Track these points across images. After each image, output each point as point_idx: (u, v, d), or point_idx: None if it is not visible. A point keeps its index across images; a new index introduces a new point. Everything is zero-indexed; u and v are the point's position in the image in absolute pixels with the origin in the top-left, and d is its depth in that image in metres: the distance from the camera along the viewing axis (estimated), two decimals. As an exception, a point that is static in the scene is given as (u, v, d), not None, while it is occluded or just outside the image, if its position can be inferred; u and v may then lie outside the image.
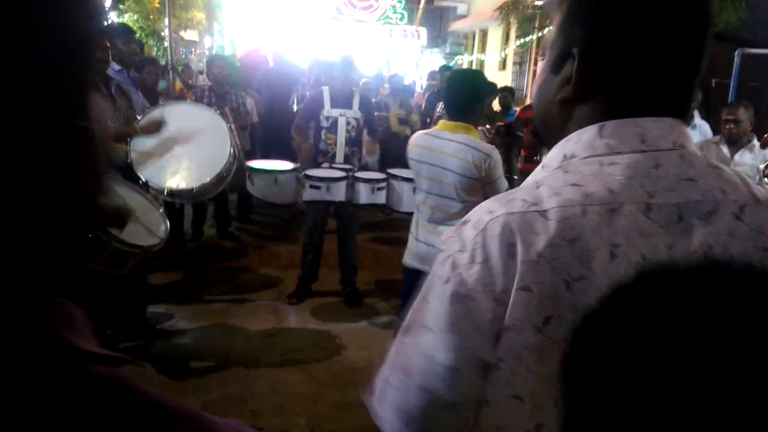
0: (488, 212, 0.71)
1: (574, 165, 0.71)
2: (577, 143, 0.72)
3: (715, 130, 4.25)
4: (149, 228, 2.57)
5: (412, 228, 2.69)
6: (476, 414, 0.74)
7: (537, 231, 0.67)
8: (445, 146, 2.47)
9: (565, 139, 0.74)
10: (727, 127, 3.70)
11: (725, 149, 3.71)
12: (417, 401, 0.72)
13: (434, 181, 2.53)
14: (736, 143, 3.70)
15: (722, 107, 3.96)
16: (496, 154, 2.50)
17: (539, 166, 0.77)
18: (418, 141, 2.62)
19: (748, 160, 3.62)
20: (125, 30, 4.38)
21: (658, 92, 0.70)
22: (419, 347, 0.73)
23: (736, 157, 3.66)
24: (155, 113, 3.33)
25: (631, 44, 0.69)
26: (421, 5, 16.66)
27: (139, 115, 3.39)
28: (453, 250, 0.72)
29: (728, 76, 6.02)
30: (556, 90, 0.75)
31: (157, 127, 3.28)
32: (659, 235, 0.66)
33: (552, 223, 0.66)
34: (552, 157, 0.75)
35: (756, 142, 3.71)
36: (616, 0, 0.70)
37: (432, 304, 0.73)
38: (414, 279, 2.29)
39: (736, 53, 5.77)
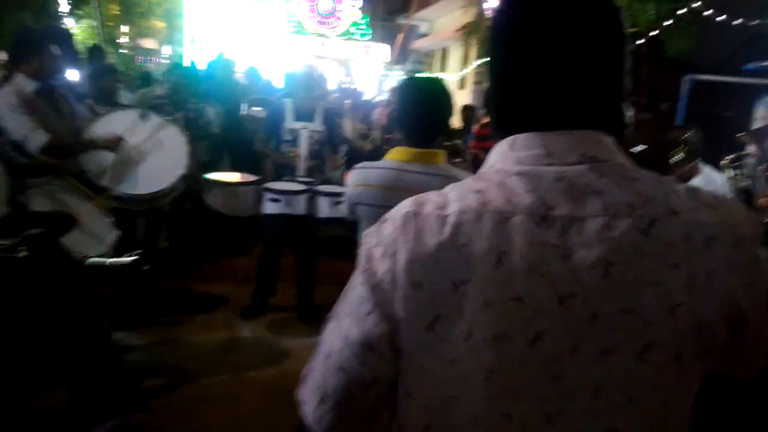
0: (404, 209, 0.76)
1: (487, 174, 0.76)
2: (495, 154, 0.78)
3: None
4: (96, 237, 2.47)
5: None
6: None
7: (434, 232, 0.71)
8: (422, 183, 1.82)
9: (492, 150, 0.79)
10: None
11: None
12: (334, 380, 0.77)
13: None
14: (684, 166, 3.82)
15: (672, 129, 4.09)
16: None
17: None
18: (374, 179, 1.95)
19: (697, 183, 3.74)
20: (62, 35, 4.25)
21: (562, 108, 0.73)
22: (340, 331, 0.78)
23: (685, 179, 3.77)
24: (103, 122, 3.26)
25: (523, 70, 0.75)
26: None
27: (83, 122, 3.31)
28: (371, 245, 0.78)
29: (678, 101, 6.26)
30: None
31: (116, 143, 3.23)
32: (551, 246, 0.67)
33: (448, 227, 0.71)
34: (485, 165, 0.80)
35: (702, 166, 3.83)
36: (499, 31, 0.79)
37: (352, 293, 0.79)
38: None
39: (683, 79, 6.02)
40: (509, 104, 0.78)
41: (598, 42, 0.73)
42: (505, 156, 0.75)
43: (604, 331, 0.66)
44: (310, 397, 0.80)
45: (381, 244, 0.76)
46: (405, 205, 0.77)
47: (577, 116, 0.73)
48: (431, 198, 0.76)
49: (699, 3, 8.15)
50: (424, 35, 20.76)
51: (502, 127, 0.79)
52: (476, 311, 0.68)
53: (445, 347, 0.71)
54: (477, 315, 0.68)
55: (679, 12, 8.33)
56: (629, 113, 0.78)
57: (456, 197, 0.73)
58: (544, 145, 0.72)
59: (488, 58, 0.81)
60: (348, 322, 0.77)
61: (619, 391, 0.66)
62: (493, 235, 0.69)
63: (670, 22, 8.60)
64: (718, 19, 7.75)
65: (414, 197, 0.78)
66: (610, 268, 0.65)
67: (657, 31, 8.68)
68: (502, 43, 0.78)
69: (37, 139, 2.94)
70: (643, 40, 8.56)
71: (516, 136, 0.75)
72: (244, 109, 6.39)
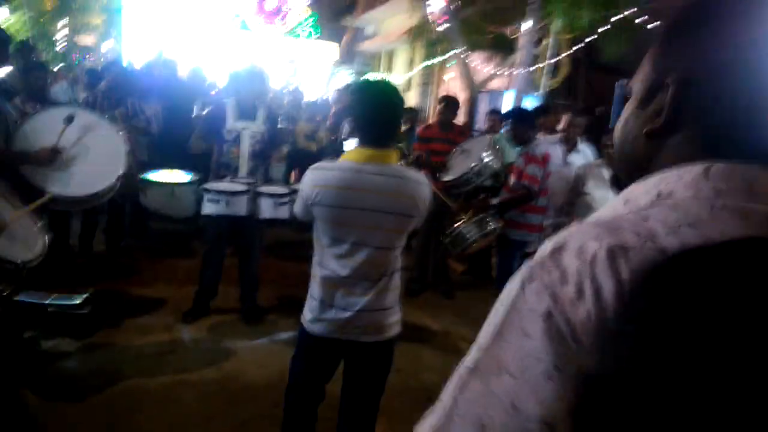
0: (593, 239, 0.59)
1: (679, 204, 0.62)
2: (677, 182, 0.64)
3: (599, 155, 4.59)
4: (25, 242, 2.39)
5: (318, 290, 2.11)
6: None
7: None
8: (381, 184, 1.98)
9: (658, 175, 0.67)
10: (608, 152, 4.01)
11: (606, 172, 4.01)
12: None
13: (369, 229, 2.01)
14: (615, 166, 4.03)
15: (604, 133, 4.29)
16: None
17: (619, 201, 0.69)
18: (332, 180, 1.99)
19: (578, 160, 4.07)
20: None
21: (764, 128, 0.63)
22: (498, 395, 0.60)
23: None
24: (34, 122, 3.11)
25: (741, 70, 0.62)
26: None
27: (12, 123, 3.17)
28: (550, 280, 0.59)
29: (610, 105, 6.55)
30: (642, 124, 0.71)
31: (53, 156, 3.08)
32: None
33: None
34: (641, 192, 0.67)
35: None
36: (723, 21, 0.63)
37: (516, 344, 0.60)
38: (326, 349, 2.16)
39: (617, 84, 6.29)
40: (710, 121, 0.65)
41: None
42: (698, 186, 0.62)
43: None
44: None
45: (569, 281, 0.58)
46: (588, 234, 0.60)
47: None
48: (622, 226, 0.60)
49: (634, 10, 8.53)
50: (370, 37, 20.83)
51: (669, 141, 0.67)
52: None
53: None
54: None
55: (613, 19, 8.69)
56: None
57: (664, 229, 0.58)
58: (747, 179, 0.61)
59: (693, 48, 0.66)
60: (511, 384, 0.59)
61: None
62: None
63: (607, 27, 8.96)
64: (651, 26, 8.12)
65: (593, 224, 0.62)
66: None
67: (592, 38, 9.03)
68: (707, 37, 0.63)
69: None
70: (580, 46, 8.89)
71: (711, 164, 0.63)
72: (195, 110, 6.28)
